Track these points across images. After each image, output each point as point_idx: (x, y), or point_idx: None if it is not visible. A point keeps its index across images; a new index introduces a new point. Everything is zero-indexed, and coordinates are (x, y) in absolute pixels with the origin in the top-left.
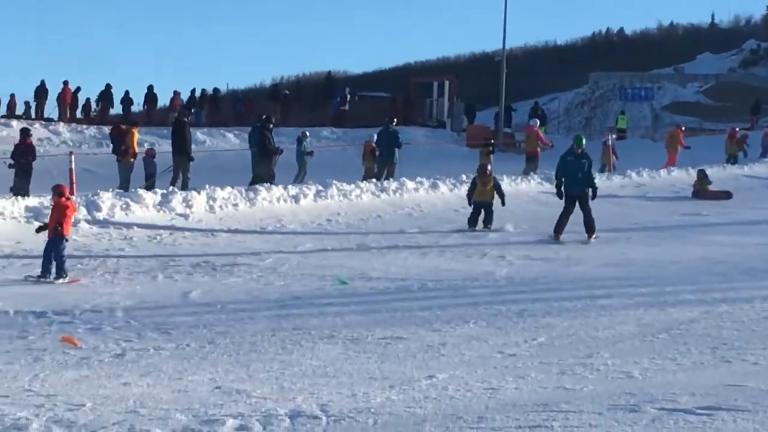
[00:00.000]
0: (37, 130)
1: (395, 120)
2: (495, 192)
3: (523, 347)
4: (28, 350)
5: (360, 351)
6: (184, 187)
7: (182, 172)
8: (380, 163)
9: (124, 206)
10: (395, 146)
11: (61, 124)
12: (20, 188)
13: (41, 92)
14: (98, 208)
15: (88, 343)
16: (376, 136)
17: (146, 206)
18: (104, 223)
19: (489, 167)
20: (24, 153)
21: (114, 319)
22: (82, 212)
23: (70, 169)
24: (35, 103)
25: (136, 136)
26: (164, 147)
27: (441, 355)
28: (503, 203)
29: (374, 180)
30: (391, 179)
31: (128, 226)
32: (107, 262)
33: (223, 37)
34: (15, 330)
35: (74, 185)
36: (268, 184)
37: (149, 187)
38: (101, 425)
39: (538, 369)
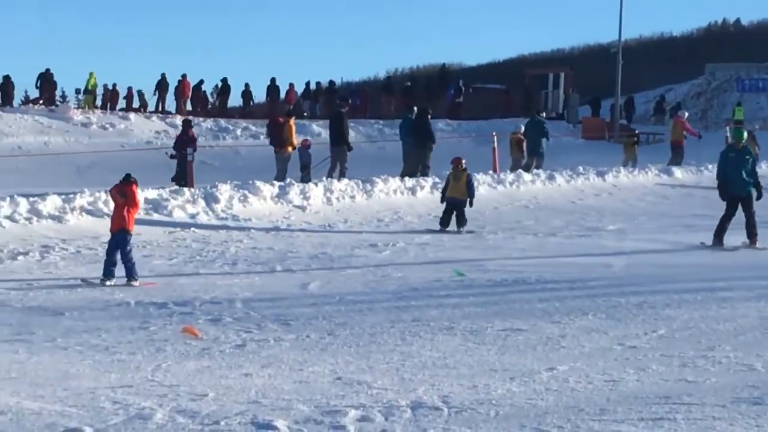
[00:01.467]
0: (155, 123)
1: (543, 112)
2: (466, 189)
3: (643, 339)
4: (150, 341)
5: (479, 342)
6: (342, 177)
7: (339, 162)
8: (528, 154)
9: (242, 198)
10: (542, 137)
11: (178, 116)
12: (181, 178)
13: (162, 85)
14: (216, 200)
15: (209, 334)
16: (523, 127)
17: (264, 198)
18: (222, 216)
19: (463, 160)
20: (185, 144)
21: (234, 311)
22: (201, 204)
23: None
24: (156, 95)
25: (294, 127)
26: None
27: (561, 347)
28: (470, 203)
29: (491, 172)
30: (539, 170)
31: (246, 218)
32: (226, 254)
33: (338, 30)
34: (137, 321)
35: (193, 177)
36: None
37: (305, 178)
38: (224, 415)
39: (659, 361)
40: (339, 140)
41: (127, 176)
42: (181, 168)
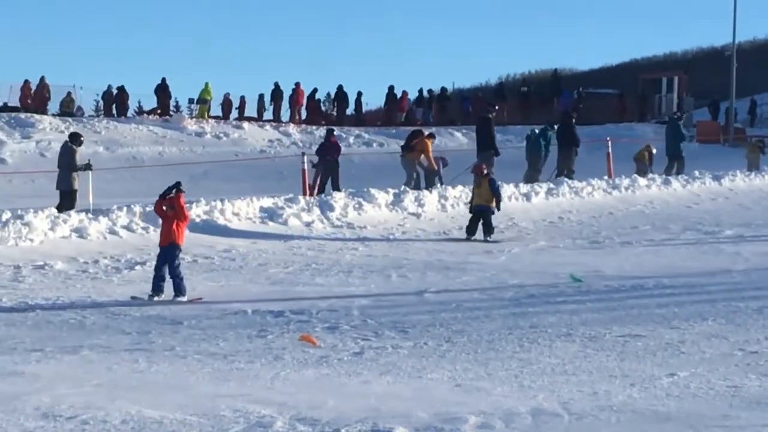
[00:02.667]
0: (268, 132)
1: (680, 114)
2: (492, 194)
3: (764, 344)
4: (268, 349)
5: (598, 349)
6: None
7: (486, 166)
8: (669, 158)
9: (357, 206)
10: (681, 140)
11: (291, 125)
12: (324, 183)
13: (277, 94)
14: (331, 208)
15: (327, 341)
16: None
17: (378, 206)
18: (338, 223)
19: (483, 166)
20: (329, 150)
21: (350, 318)
22: (316, 212)
23: (303, 170)
24: (272, 104)
25: (430, 145)
26: (392, 146)
27: (681, 353)
28: (498, 207)
29: (606, 177)
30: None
31: (361, 225)
32: (341, 262)
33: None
34: (254, 329)
35: (306, 186)
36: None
37: (430, 184)
38: (344, 423)
39: None
40: (486, 145)
41: (177, 185)
42: (324, 173)
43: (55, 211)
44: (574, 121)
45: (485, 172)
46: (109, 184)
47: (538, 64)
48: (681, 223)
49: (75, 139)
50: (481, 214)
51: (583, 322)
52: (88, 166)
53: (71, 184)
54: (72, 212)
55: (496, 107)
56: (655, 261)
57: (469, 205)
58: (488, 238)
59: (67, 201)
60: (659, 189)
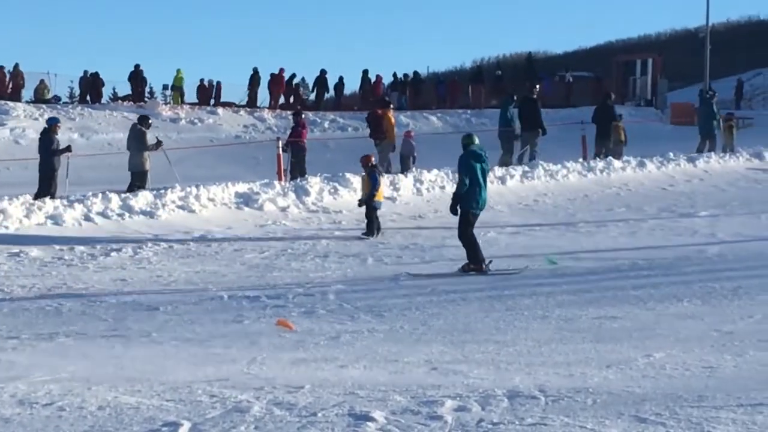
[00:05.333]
0: (243, 117)
1: (713, 92)
2: (372, 186)
3: (739, 325)
4: (245, 334)
5: (574, 330)
6: (531, 159)
7: (531, 146)
8: (701, 137)
9: (333, 191)
10: (713, 118)
11: (266, 110)
12: (295, 169)
13: (254, 80)
14: (307, 193)
15: (303, 326)
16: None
17: (354, 190)
18: (313, 208)
19: (373, 157)
20: (295, 133)
21: (326, 302)
22: (291, 197)
23: (278, 155)
24: (248, 89)
25: (393, 118)
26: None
27: (656, 334)
28: (371, 199)
29: (581, 160)
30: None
31: (337, 210)
32: (317, 246)
33: (423, 21)
34: (230, 314)
35: (281, 171)
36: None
37: (405, 168)
38: (321, 407)
39: (757, 347)
40: (532, 125)
41: None
42: (296, 159)
43: (30, 198)
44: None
45: (371, 163)
46: (84, 172)
47: (513, 47)
48: (656, 204)
49: (144, 121)
50: (366, 210)
51: (559, 305)
52: (158, 144)
53: (143, 164)
54: (47, 199)
55: (537, 87)
56: (630, 243)
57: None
58: (362, 235)
59: (138, 181)
60: (634, 171)
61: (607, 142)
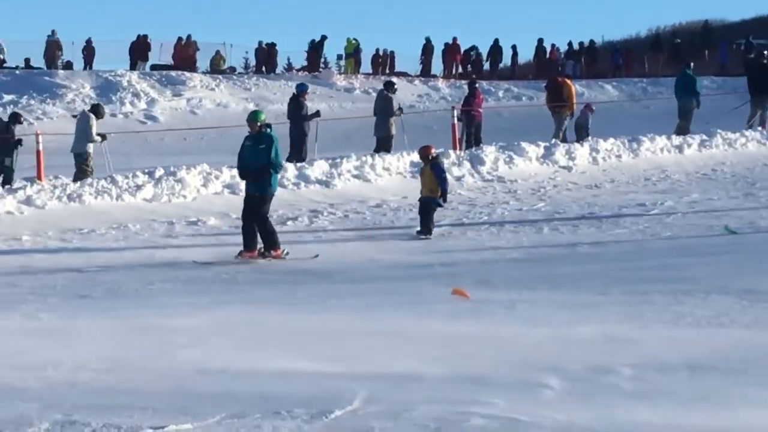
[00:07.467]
0: (417, 87)
1: None
2: (437, 182)
3: None
4: (418, 302)
5: (754, 301)
6: (762, 125)
7: (761, 110)
8: None
9: (508, 160)
10: None
11: (440, 79)
12: (468, 135)
13: (427, 49)
14: (482, 162)
15: (478, 295)
16: None
17: (529, 159)
18: (488, 177)
19: (432, 148)
20: (470, 103)
21: (501, 271)
22: (466, 166)
23: (452, 125)
24: (422, 58)
25: (573, 88)
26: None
27: None
28: (444, 199)
29: (759, 128)
30: None
31: (512, 179)
32: (492, 215)
33: None
34: (403, 283)
35: (456, 140)
36: None
37: (580, 139)
38: (495, 373)
39: None
40: (763, 89)
41: None
42: (470, 128)
43: (207, 167)
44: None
45: (432, 154)
46: None
47: (688, 15)
48: None
49: (390, 87)
50: (420, 204)
51: (739, 274)
52: (400, 110)
53: (389, 129)
54: (224, 168)
55: (766, 52)
56: None
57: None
58: (420, 235)
59: (384, 145)
60: None
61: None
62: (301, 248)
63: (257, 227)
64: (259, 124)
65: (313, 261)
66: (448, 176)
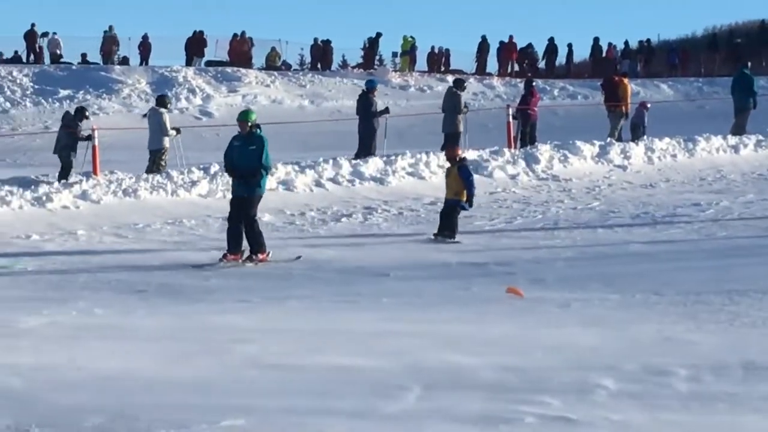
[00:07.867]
0: (472, 85)
1: None
2: (463, 185)
3: None
4: (472, 300)
5: None
6: None
7: None
8: None
9: (562, 158)
10: None
11: (495, 78)
12: (524, 134)
13: (483, 47)
14: (537, 161)
15: (532, 294)
16: None
17: (584, 158)
18: (543, 176)
19: (459, 150)
20: (526, 101)
21: (556, 270)
22: (521, 165)
23: (507, 123)
24: (477, 56)
25: (629, 87)
26: (597, 98)
27: None
28: (470, 203)
29: None
30: None
31: (567, 178)
32: (547, 214)
33: None
34: (459, 280)
35: (511, 138)
36: None
37: (635, 137)
38: (549, 373)
39: None
40: None
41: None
42: (525, 126)
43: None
44: None
45: (459, 156)
46: (312, 138)
47: (745, 14)
48: None
49: (459, 84)
50: (444, 206)
51: None
52: (467, 108)
53: (456, 126)
54: (279, 164)
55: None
56: None
57: None
58: (446, 239)
59: (452, 141)
60: None
61: None
62: (345, 248)
63: (245, 229)
64: (249, 124)
65: (367, 259)
66: (475, 178)
